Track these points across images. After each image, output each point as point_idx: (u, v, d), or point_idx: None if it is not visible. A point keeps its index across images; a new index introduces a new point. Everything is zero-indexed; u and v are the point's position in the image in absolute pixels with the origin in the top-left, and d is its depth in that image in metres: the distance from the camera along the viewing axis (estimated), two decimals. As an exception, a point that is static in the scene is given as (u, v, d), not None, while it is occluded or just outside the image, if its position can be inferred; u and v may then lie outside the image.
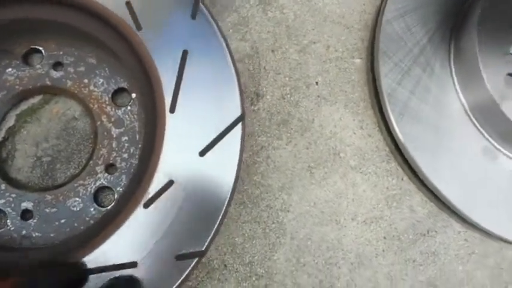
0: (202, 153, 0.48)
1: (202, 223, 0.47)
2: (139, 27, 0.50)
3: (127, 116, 0.56)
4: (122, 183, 0.54)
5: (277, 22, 0.62)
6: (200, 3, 0.51)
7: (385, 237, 0.55)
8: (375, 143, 0.58)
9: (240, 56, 0.60)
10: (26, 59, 0.57)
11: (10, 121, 0.55)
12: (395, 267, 0.55)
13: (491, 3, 0.54)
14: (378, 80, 0.57)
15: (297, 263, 0.54)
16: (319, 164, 0.57)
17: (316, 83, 0.60)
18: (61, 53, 0.57)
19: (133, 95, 0.56)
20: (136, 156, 0.55)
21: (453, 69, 0.57)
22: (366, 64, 0.60)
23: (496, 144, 0.55)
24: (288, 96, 0.59)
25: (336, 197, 0.56)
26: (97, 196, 0.54)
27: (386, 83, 0.56)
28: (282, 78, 0.60)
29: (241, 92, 0.51)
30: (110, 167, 0.54)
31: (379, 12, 0.60)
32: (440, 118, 0.55)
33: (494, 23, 0.53)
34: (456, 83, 0.57)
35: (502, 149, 0.56)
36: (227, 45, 0.51)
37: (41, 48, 0.57)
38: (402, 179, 0.57)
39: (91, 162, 0.54)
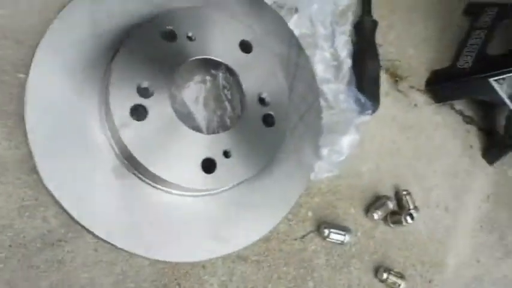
0: None
1: None
2: None
3: None
4: None
5: None
6: None
7: (10, 245, 0.58)
8: (21, 155, 0.60)
9: None
10: None
11: None
12: (17, 274, 0.57)
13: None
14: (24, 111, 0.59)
15: None
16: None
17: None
18: None
19: None
20: None
21: (97, 99, 0.63)
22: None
23: (129, 165, 0.63)
24: None
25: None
26: None
27: (30, 116, 0.59)
28: None
29: None
30: None
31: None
32: (78, 145, 0.60)
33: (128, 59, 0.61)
34: (99, 111, 0.63)
35: (135, 170, 0.63)
36: None
37: None
38: (40, 192, 0.60)
39: None
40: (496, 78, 0.92)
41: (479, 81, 0.94)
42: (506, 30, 0.99)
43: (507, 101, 0.94)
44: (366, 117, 0.79)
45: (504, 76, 0.91)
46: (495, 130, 1.08)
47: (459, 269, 0.99)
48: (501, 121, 1.05)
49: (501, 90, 0.93)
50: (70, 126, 0.60)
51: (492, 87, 0.93)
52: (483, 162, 1.08)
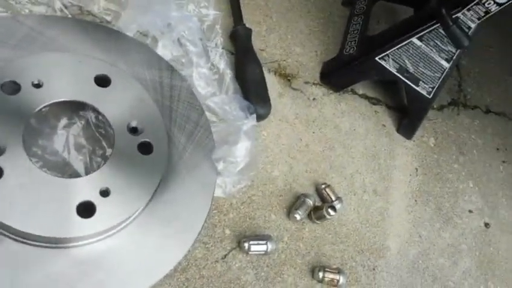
0: None
1: None
2: None
3: None
4: None
5: None
6: None
7: None
8: None
9: None
10: None
11: None
12: None
13: None
14: None
15: None
16: None
17: None
18: None
19: None
20: None
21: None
22: None
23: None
24: None
25: None
26: None
27: None
28: None
29: None
30: None
31: None
32: None
33: None
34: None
35: (6, 232, 0.59)
36: None
37: None
38: None
39: None
40: (380, 56, 0.95)
41: (367, 63, 0.97)
42: (379, 12, 1.03)
43: (397, 74, 0.97)
44: (253, 121, 0.78)
45: (387, 52, 0.94)
46: (403, 104, 1.11)
47: (402, 248, 0.97)
48: (404, 94, 1.07)
49: (389, 66, 0.96)
50: None
51: (380, 65, 0.96)
52: (400, 137, 1.09)
